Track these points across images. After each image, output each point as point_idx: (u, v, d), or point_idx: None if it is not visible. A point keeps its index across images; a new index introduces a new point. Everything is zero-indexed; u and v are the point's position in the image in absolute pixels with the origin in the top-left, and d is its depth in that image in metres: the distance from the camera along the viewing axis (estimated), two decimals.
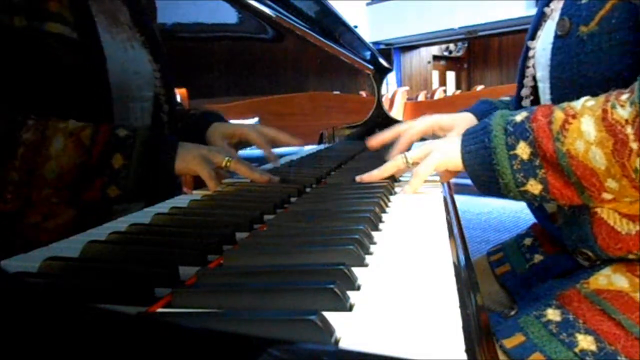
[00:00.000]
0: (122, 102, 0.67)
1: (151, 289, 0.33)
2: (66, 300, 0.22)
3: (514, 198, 0.58)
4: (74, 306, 0.21)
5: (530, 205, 0.76)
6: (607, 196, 0.53)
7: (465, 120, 0.85)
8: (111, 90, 0.61)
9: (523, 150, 0.56)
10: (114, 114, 0.62)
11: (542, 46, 0.68)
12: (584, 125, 0.52)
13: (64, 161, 0.51)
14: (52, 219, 0.53)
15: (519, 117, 0.58)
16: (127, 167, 0.55)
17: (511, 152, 0.57)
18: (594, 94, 0.55)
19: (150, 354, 0.19)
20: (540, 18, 0.71)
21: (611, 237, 0.58)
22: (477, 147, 0.61)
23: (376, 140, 0.86)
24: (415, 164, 0.69)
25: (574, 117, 0.53)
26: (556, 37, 0.63)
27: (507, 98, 0.89)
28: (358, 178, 0.74)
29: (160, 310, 0.31)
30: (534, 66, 0.72)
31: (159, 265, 0.37)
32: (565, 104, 0.55)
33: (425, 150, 0.67)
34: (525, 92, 0.76)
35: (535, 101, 0.74)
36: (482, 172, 0.60)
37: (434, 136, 0.85)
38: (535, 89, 0.74)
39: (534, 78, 0.73)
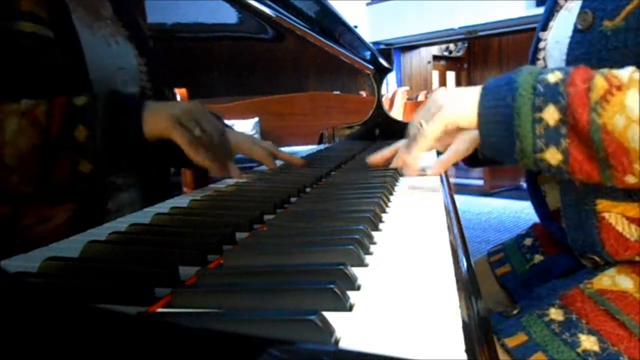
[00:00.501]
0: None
1: (151, 289, 0.33)
2: (66, 300, 0.22)
3: (525, 165, 0.54)
4: (74, 306, 0.21)
5: (533, 203, 0.75)
6: (630, 179, 0.49)
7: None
8: (93, 88, 0.59)
9: (550, 115, 0.51)
10: None
11: (555, 38, 0.66)
12: (629, 100, 0.47)
13: (22, 143, 0.47)
14: (48, 221, 0.51)
15: (552, 76, 0.52)
16: (92, 137, 0.50)
17: (537, 115, 0.51)
18: None
19: (150, 354, 0.19)
20: (552, 8, 0.68)
21: (620, 243, 0.57)
22: (497, 104, 0.55)
23: (376, 158, 0.86)
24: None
25: (618, 88, 0.48)
26: (576, 31, 0.59)
27: None
28: (394, 164, 0.72)
29: (160, 310, 0.31)
30: (544, 58, 0.69)
31: (159, 265, 0.37)
32: (607, 71, 0.50)
33: (434, 109, 0.60)
34: None
35: None
36: (498, 131, 0.54)
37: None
38: None
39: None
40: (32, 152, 0.48)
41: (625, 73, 0.49)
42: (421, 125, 0.61)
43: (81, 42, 0.58)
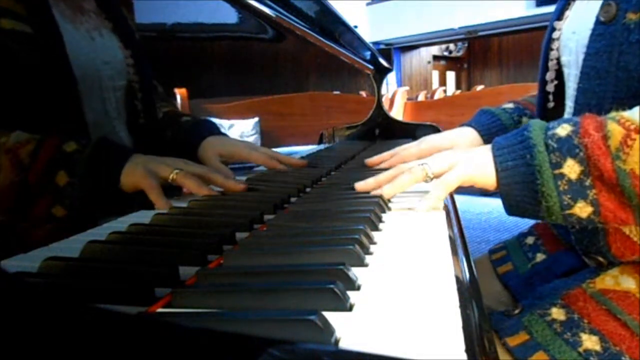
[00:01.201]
0: (94, 95, 0.64)
1: (151, 289, 0.33)
2: (66, 300, 0.22)
3: (554, 221, 0.53)
4: (74, 306, 0.21)
5: None
6: None
7: (467, 138, 0.81)
8: (77, 84, 0.58)
9: (571, 168, 0.49)
10: (84, 108, 0.59)
11: (572, 29, 0.64)
12: None
13: (0, 179, 0.47)
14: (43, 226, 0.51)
15: (561, 130, 0.51)
16: (71, 185, 0.50)
17: (556, 171, 0.50)
18: (629, 89, 0.51)
19: (150, 354, 0.19)
20: None
21: (627, 246, 0.57)
22: (516, 164, 0.53)
23: (373, 161, 0.85)
24: (436, 178, 0.59)
25: (637, 131, 0.47)
26: (597, 22, 0.57)
27: (510, 105, 0.86)
28: (373, 192, 0.63)
29: (160, 310, 0.31)
30: (558, 49, 0.68)
31: (159, 265, 0.37)
32: (614, 115, 0.49)
33: (449, 161, 0.58)
34: (550, 75, 0.71)
35: (560, 85, 0.70)
36: (521, 192, 0.53)
37: None
38: (559, 73, 0.69)
39: (558, 61, 0.69)
40: (6, 190, 0.47)
41: (636, 115, 0.48)
42: (428, 165, 0.58)
43: (63, 38, 0.56)
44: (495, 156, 0.55)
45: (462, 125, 0.85)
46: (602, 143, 0.48)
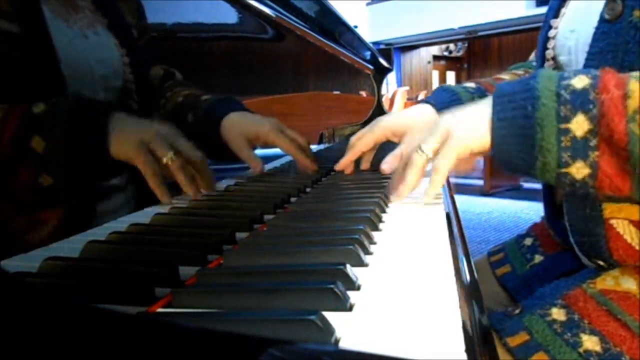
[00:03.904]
0: (86, 94, 0.61)
1: (151, 289, 0.33)
2: (66, 300, 0.22)
3: (546, 180, 0.49)
4: (74, 306, 0.21)
5: (545, 195, 0.73)
6: None
7: (424, 116, 0.76)
8: (66, 84, 0.55)
9: (579, 125, 0.45)
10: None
11: (569, 27, 0.63)
12: None
13: None
14: (41, 224, 0.49)
15: (578, 81, 0.46)
16: (51, 150, 0.46)
17: (562, 126, 0.46)
18: None
19: (150, 354, 0.19)
20: None
21: (629, 254, 0.56)
22: (514, 115, 0.48)
23: (342, 163, 0.79)
24: (436, 155, 0.55)
25: None
26: (602, 20, 0.56)
27: (472, 85, 0.83)
28: (396, 195, 0.59)
29: (160, 310, 0.31)
30: (554, 48, 0.66)
31: (159, 265, 0.37)
32: (638, 74, 0.45)
33: (439, 133, 0.54)
34: None
35: None
36: (515, 145, 0.49)
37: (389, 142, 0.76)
38: None
39: (555, 61, 0.67)
40: None
41: None
42: (422, 149, 0.55)
43: (52, 36, 0.54)
44: (494, 104, 0.51)
45: (420, 102, 0.81)
46: (620, 102, 0.44)
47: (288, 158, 1.11)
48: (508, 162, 0.51)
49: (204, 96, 0.76)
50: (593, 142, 0.45)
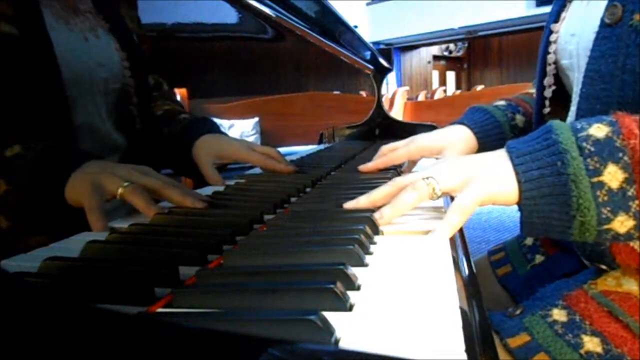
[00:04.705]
0: (85, 96, 0.62)
1: (151, 289, 0.33)
2: (66, 300, 0.22)
3: (584, 239, 0.45)
4: (74, 306, 0.21)
5: None
6: None
7: (459, 136, 0.75)
8: (65, 86, 0.55)
9: (612, 176, 0.43)
10: (72, 110, 0.57)
11: (570, 31, 0.63)
12: None
13: None
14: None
15: (597, 130, 0.44)
16: (11, 194, 0.46)
17: (594, 179, 0.43)
18: (635, 93, 0.49)
19: (150, 354, 0.19)
20: None
21: (631, 258, 0.56)
22: (542, 173, 0.45)
23: (369, 168, 0.78)
24: (445, 194, 0.51)
25: None
26: (602, 25, 0.55)
27: (502, 103, 0.83)
28: (378, 217, 0.50)
29: (160, 310, 0.31)
30: (555, 52, 0.66)
31: (159, 265, 0.37)
32: None
33: (461, 175, 0.49)
34: (548, 80, 0.69)
35: (559, 90, 0.68)
36: (548, 206, 0.45)
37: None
38: (557, 77, 0.67)
39: (556, 65, 0.67)
40: None
41: None
42: (434, 181, 0.50)
43: (52, 39, 0.54)
44: (515, 165, 0.47)
45: (452, 123, 0.79)
46: None
47: (288, 158, 1.11)
48: (540, 225, 0.47)
49: (182, 114, 0.79)
50: (631, 192, 0.43)
